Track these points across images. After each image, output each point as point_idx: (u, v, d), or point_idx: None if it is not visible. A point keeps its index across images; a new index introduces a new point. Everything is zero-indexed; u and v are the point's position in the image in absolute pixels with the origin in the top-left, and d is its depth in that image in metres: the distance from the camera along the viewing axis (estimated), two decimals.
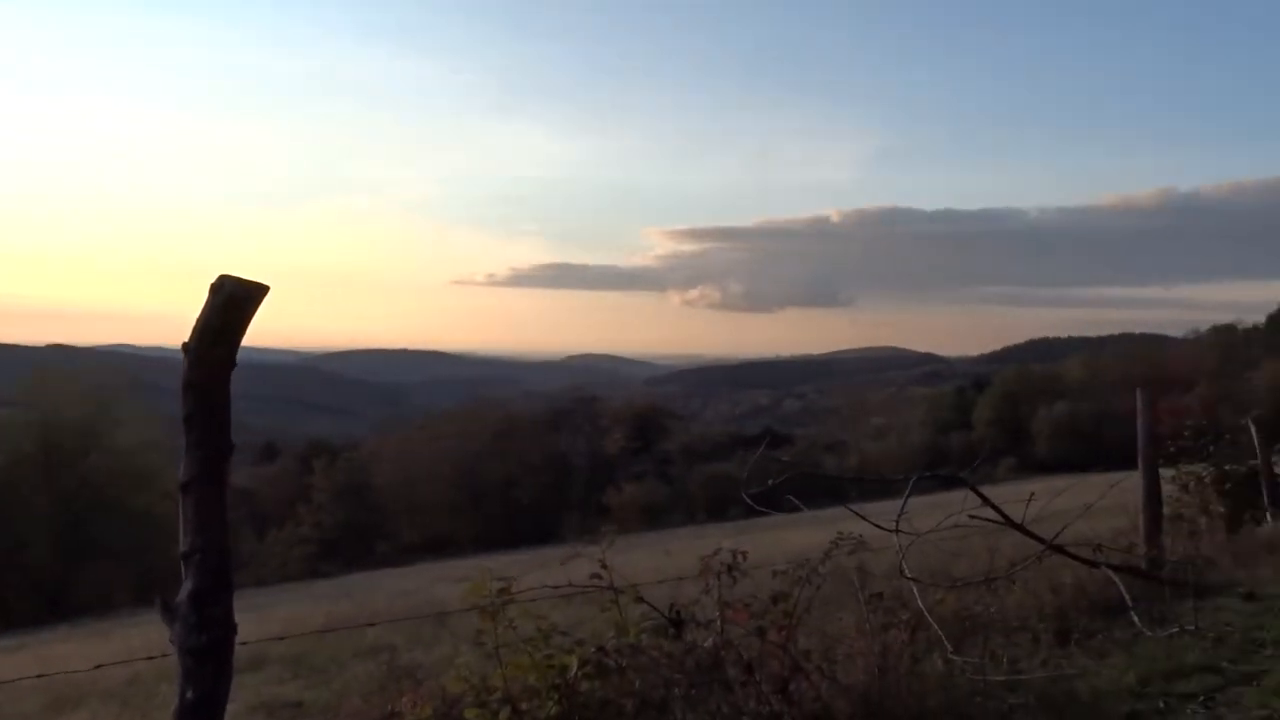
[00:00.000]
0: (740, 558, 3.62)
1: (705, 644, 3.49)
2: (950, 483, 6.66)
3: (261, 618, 20.21)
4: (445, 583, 21.17)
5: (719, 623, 3.57)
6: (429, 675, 6.35)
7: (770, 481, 4.80)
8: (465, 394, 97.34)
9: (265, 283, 2.47)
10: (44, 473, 39.35)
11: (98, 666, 4.68)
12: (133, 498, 40.65)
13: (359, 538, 49.45)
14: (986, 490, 5.23)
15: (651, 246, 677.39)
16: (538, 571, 3.87)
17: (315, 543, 47.13)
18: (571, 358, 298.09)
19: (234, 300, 2.38)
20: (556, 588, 3.61)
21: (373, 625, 11.63)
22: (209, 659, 2.22)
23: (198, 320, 2.36)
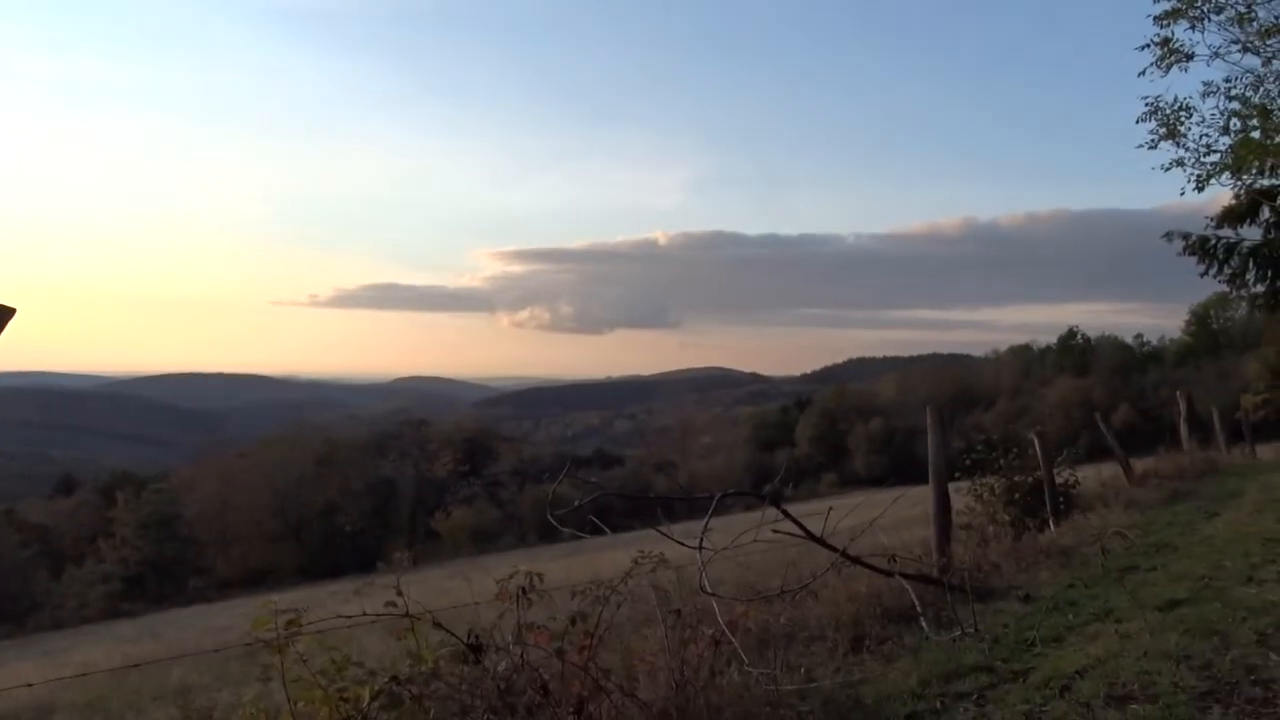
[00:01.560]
0: (536, 580, 3.62)
1: (500, 667, 3.47)
2: (772, 499, 6.86)
3: (53, 663, 18.80)
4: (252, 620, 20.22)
5: (518, 645, 3.55)
6: (225, 716, 6.07)
7: (577, 503, 4.83)
8: (286, 418, 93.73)
9: (12, 306, 2.33)
10: None
11: None
12: None
13: (168, 573, 46.69)
14: (807, 505, 5.43)
15: (480, 267, 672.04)
16: (347, 603, 3.76)
17: (119, 580, 44.16)
18: (399, 380, 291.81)
19: None
20: (349, 617, 3.51)
21: (161, 659, 11.06)
22: None
23: None
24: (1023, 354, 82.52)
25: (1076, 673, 4.14)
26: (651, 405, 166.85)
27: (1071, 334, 78.28)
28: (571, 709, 3.43)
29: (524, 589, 3.57)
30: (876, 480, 54.01)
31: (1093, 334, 78.58)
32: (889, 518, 7.33)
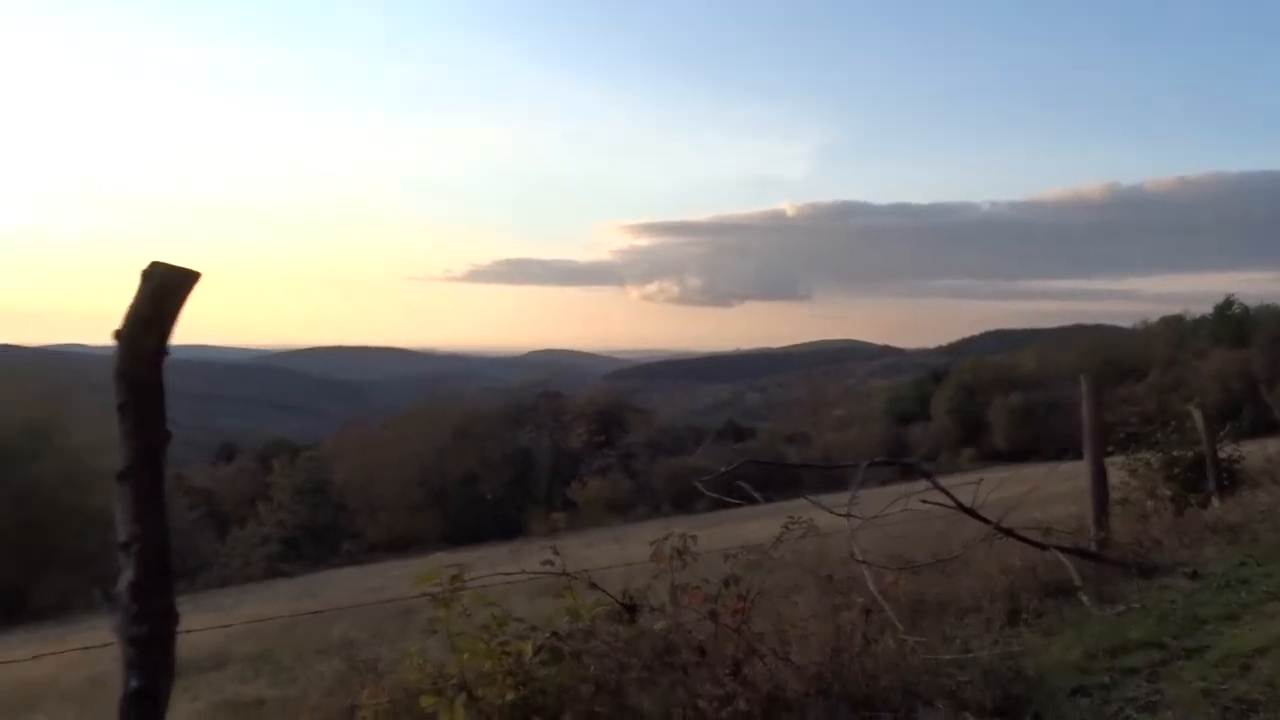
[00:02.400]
0: (690, 541, 3.64)
1: (658, 627, 3.51)
2: (910, 471, 6.74)
3: (224, 618, 20.01)
4: (411, 580, 21.05)
5: (671, 607, 3.59)
6: (390, 668, 6.32)
7: (724, 469, 4.83)
8: (426, 390, 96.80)
9: (196, 269, 2.44)
10: None
11: (35, 657, 4.61)
12: (89, 500, 40.01)
13: (322, 537, 48.98)
14: (948, 479, 5.30)
15: (608, 241, 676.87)
16: (494, 567, 3.86)
17: (277, 542, 46.61)
18: (532, 353, 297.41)
19: (165, 288, 2.35)
20: (508, 574, 3.61)
21: (322, 615, 11.59)
22: (151, 648, 2.20)
23: (129, 308, 2.33)
24: (1175, 324, 78.27)
25: (1256, 651, 3.93)
26: (781, 378, 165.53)
27: (1228, 303, 73.85)
28: (728, 670, 3.45)
29: (679, 550, 3.59)
30: (1019, 455, 52.23)
31: (1251, 304, 73.89)
32: (1036, 493, 7.07)
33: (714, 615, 3.57)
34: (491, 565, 3.97)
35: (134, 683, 2.17)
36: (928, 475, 5.28)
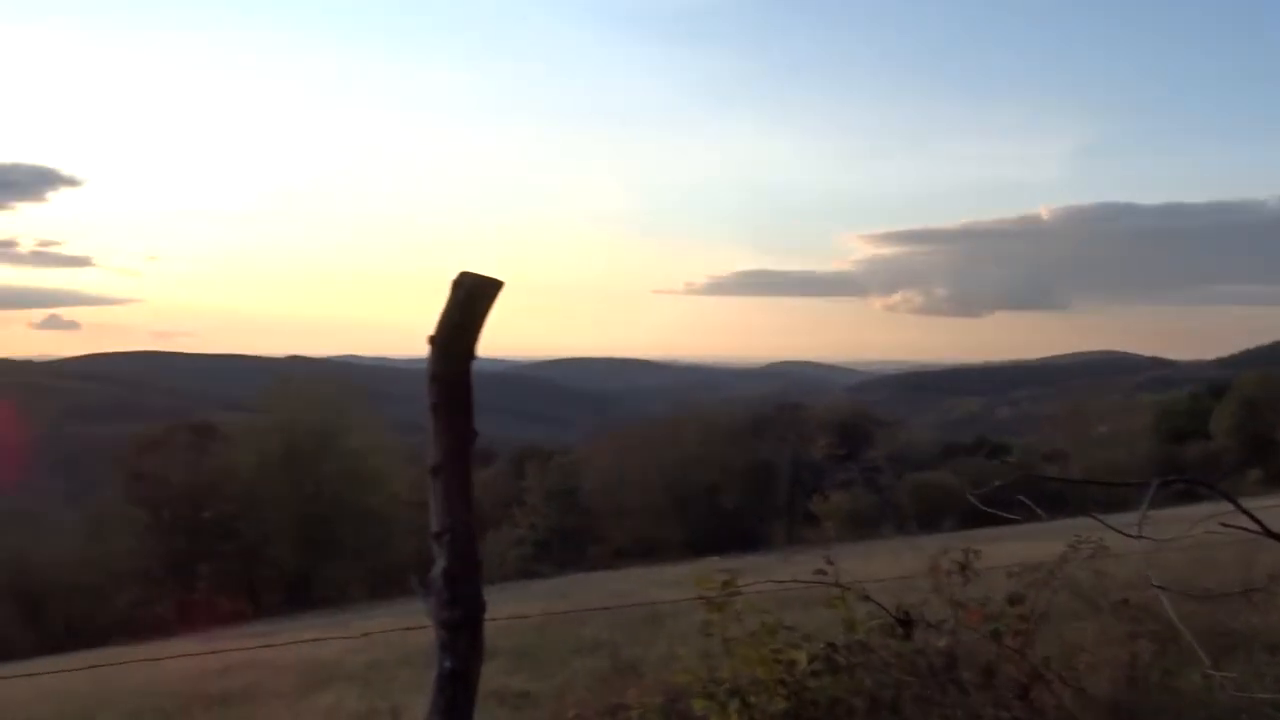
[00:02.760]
0: (973, 556, 3.49)
1: (939, 645, 3.39)
2: (1189, 494, 6.19)
3: (488, 613, 21.21)
4: (658, 586, 21.47)
5: (951, 624, 3.45)
6: (651, 670, 6.49)
7: (997, 483, 4.60)
8: (669, 401, 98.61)
9: (500, 279, 2.59)
10: (286, 473, 42.65)
11: (365, 635, 5.00)
12: (364, 498, 43.47)
13: (571, 540, 50.91)
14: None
15: (849, 251, 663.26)
16: (757, 572, 3.85)
17: (530, 544, 48.87)
18: (772, 364, 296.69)
19: (473, 295, 2.51)
20: (781, 582, 3.60)
21: (574, 615, 11.93)
22: (462, 632, 2.34)
23: (441, 315, 2.50)
24: None
25: None
26: (1036, 391, 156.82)
27: None
28: (1014, 694, 3.28)
29: (962, 565, 3.46)
30: None
31: None
32: None
33: (996, 635, 3.41)
34: (760, 573, 3.96)
35: (447, 664, 2.32)
36: (1228, 497, 4.81)
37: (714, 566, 3.50)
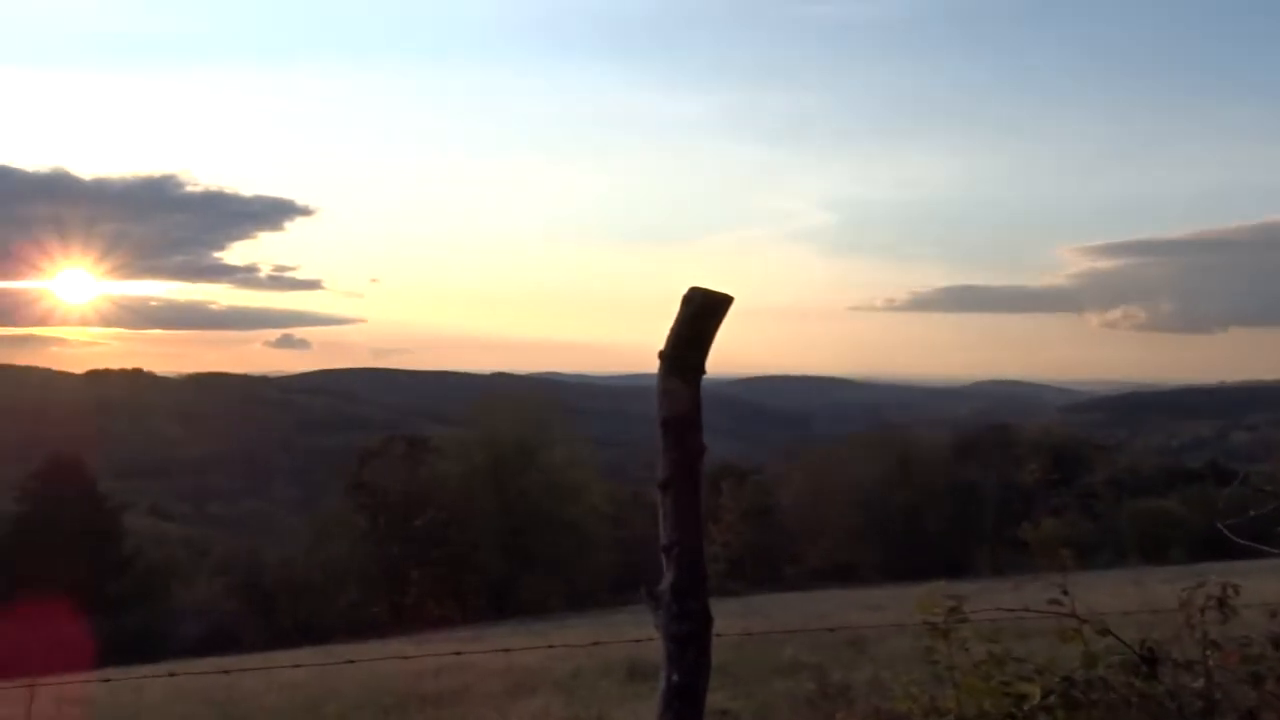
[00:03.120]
0: (1232, 591, 3.22)
1: (1195, 685, 3.14)
2: None
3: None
4: (857, 609, 21.04)
5: (1205, 665, 3.19)
6: (860, 695, 6.34)
7: (1252, 513, 4.24)
8: (867, 420, 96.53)
9: (730, 294, 2.60)
10: (491, 485, 44.38)
11: (595, 643, 5.12)
12: (563, 511, 44.66)
13: (765, 559, 50.53)
14: None
15: (1063, 265, 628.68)
16: (975, 599, 3.68)
17: (724, 561, 48.84)
18: (977, 383, 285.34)
19: (704, 310, 2.53)
20: (1012, 611, 3.43)
21: (771, 636, 11.78)
22: (690, 646, 2.35)
23: (671, 330, 2.53)
24: None
25: None
26: (1278, 415, 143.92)
27: None
28: None
29: (1220, 601, 3.19)
30: None
31: None
32: None
33: (1256, 680, 3.12)
34: (978, 600, 3.79)
35: (675, 677, 2.34)
36: None
37: (938, 591, 3.37)
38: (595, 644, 7.63)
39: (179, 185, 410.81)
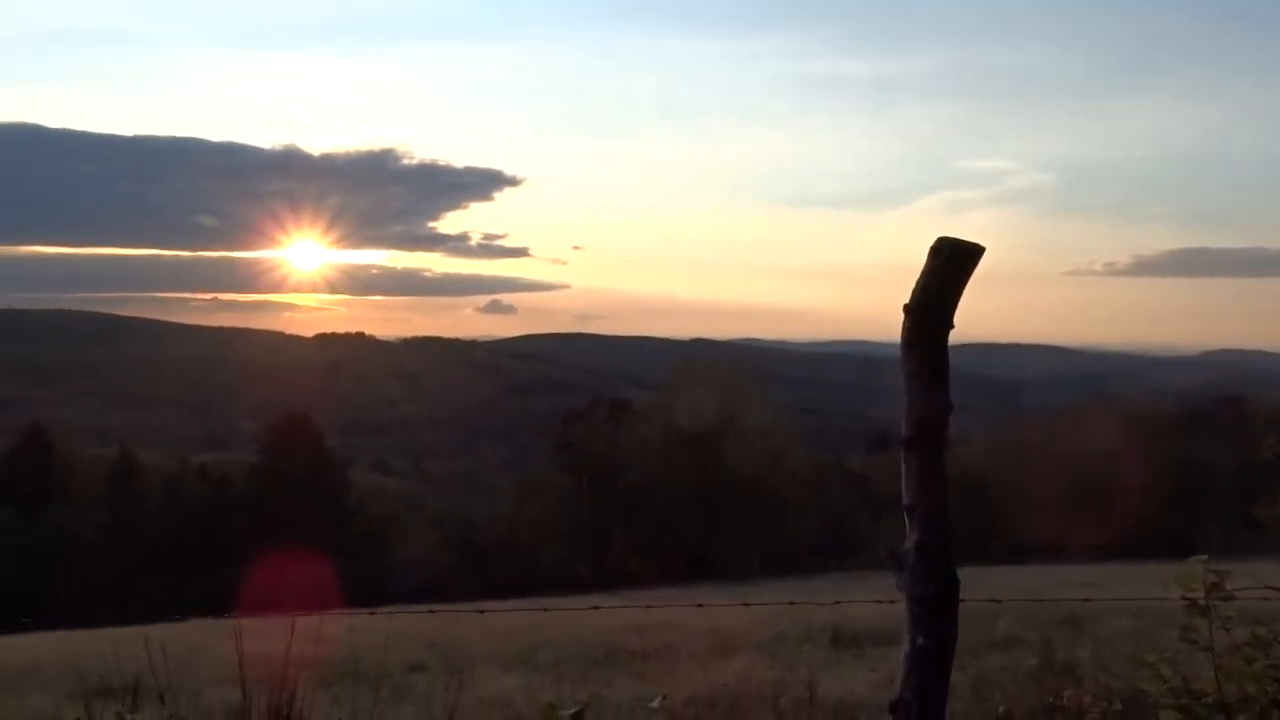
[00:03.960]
0: None
1: None
2: None
3: (884, 598, 21.02)
4: (1069, 585, 20.09)
5: None
6: (1088, 673, 6.04)
7: None
8: (1083, 389, 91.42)
9: (981, 244, 2.47)
10: (690, 449, 44.85)
11: (832, 602, 5.12)
12: (761, 477, 44.64)
13: (970, 532, 48.87)
14: None
15: None
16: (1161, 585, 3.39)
17: None
18: (1208, 353, 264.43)
19: (953, 261, 2.42)
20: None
21: (995, 609, 11.42)
22: (936, 609, 2.28)
23: (918, 282, 2.43)
24: None
25: None
26: None
27: None
28: None
29: None
30: None
31: None
32: None
33: None
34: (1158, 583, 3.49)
35: (919, 641, 2.27)
36: None
37: (1198, 565, 3.13)
38: (792, 604, 7.60)
39: (397, 159, 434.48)
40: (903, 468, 2.38)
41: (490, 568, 43.94)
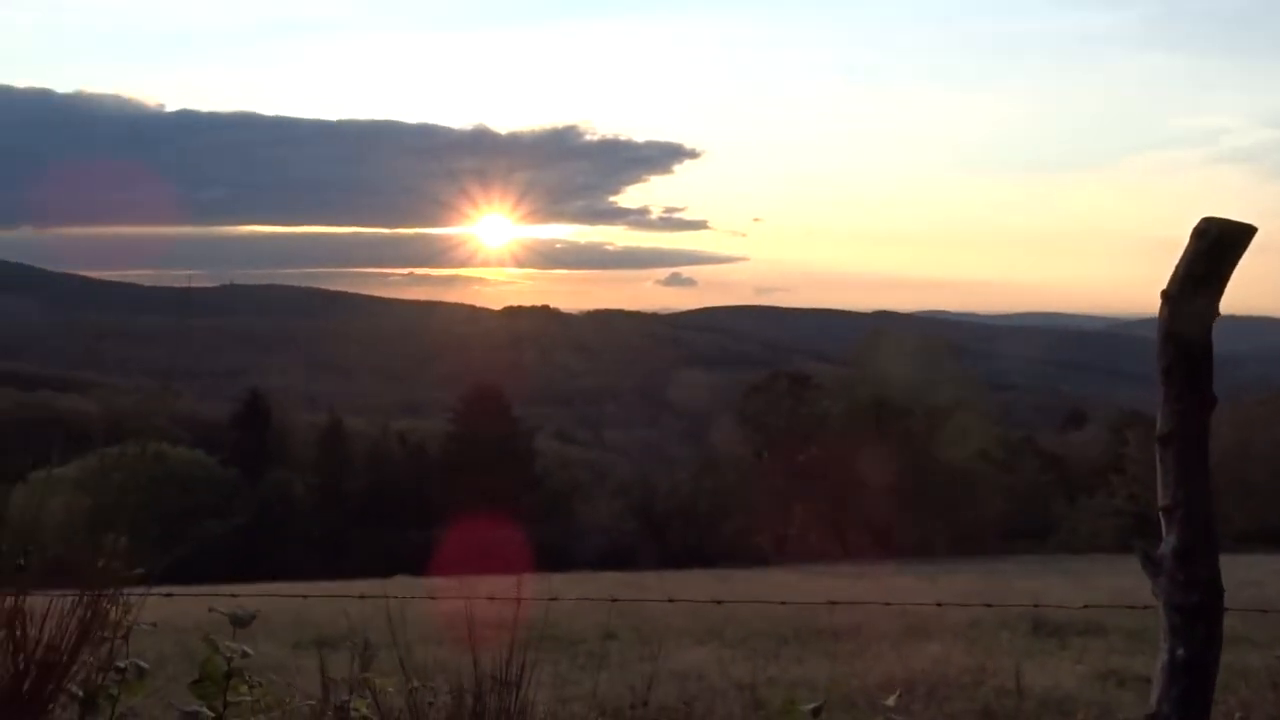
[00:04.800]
0: None
1: None
2: None
3: (1076, 583, 20.00)
4: None
5: None
6: None
7: None
8: None
9: (1252, 224, 2.27)
10: (875, 424, 43.95)
11: (1037, 605, 4.95)
12: (949, 454, 43.31)
13: None
14: None
15: None
16: None
17: (1129, 515, 45.03)
18: None
19: (1220, 244, 2.23)
20: None
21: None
22: (1198, 619, 2.13)
23: (1178, 267, 2.26)
24: None
25: None
26: None
27: None
28: None
29: None
30: None
31: None
32: None
33: None
34: None
35: (1180, 652, 2.13)
36: None
37: None
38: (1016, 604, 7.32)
39: (579, 135, 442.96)
40: (1158, 465, 2.23)
41: (671, 536, 44.52)
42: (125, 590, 2.76)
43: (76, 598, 2.66)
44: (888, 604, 6.17)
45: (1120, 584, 18.94)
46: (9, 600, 2.58)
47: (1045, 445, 56.81)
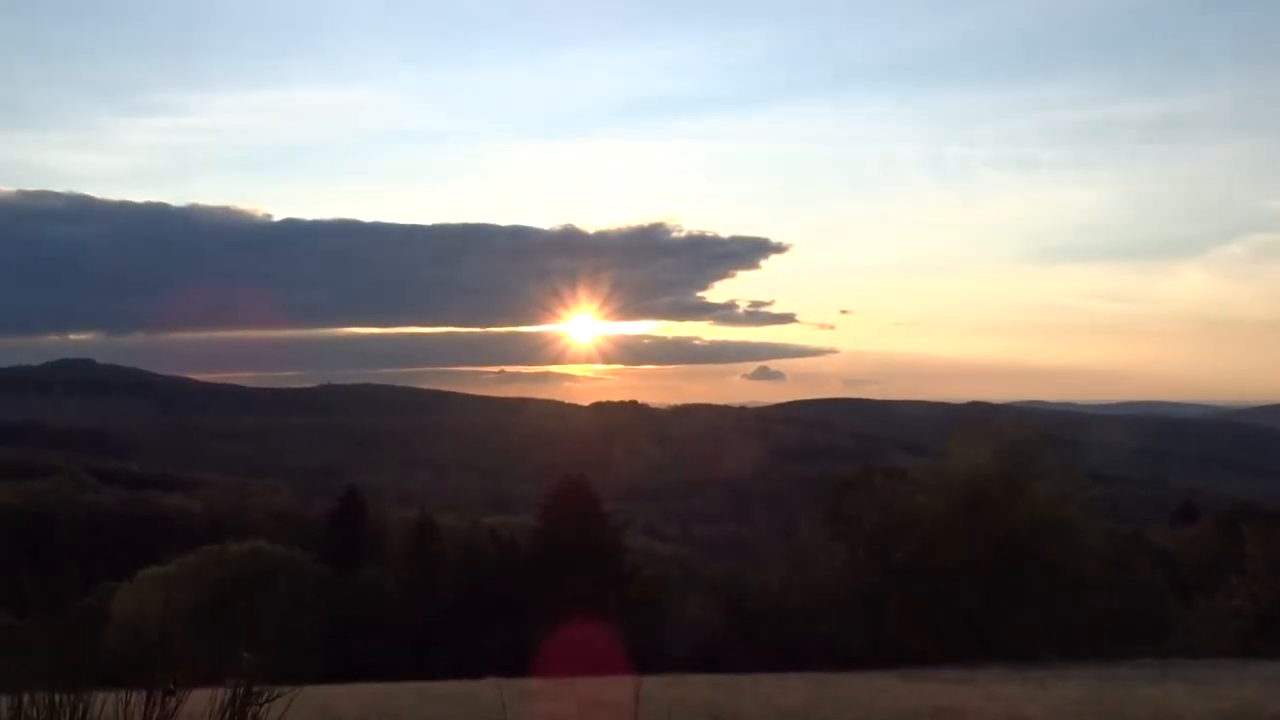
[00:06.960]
0: None
1: None
2: None
3: (1204, 693, 18.87)
4: None
5: None
6: None
7: None
8: None
9: None
10: (971, 519, 42.64)
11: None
12: (1051, 550, 41.71)
13: None
14: None
15: None
16: None
17: (1251, 617, 42.51)
18: None
19: None
20: None
21: None
22: None
23: None
24: None
25: None
26: None
27: None
28: None
29: None
30: None
31: None
32: None
33: None
34: None
35: None
36: None
37: None
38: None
39: (666, 232, 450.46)
40: None
41: (763, 637, 43.43)
42: (273, 689, 2.78)
43: (224, 696, 2.69)
44: None
45: (1246, 693, 17.82)
46: (168, 701, 2.62)
47: (1155, 540, 54.44)
